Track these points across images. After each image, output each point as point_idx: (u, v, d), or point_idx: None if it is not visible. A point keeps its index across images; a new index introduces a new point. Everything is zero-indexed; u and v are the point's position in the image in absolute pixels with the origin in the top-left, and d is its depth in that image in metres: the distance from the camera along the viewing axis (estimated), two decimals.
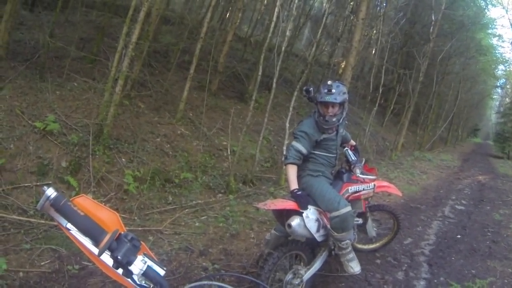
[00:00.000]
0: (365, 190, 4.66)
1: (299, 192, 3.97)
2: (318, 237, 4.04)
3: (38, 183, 5.30)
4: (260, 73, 7.80)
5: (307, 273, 4.11)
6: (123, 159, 6.36)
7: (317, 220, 4.00)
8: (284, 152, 7.70)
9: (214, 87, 10.38)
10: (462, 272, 5.58)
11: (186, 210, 6.00)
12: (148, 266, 1.13)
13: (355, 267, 4.32)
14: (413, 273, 5.34)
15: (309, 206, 3.98)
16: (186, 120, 8.44)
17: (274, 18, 8.48)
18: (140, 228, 5.11)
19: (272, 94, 8.09)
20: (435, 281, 5.18)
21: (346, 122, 4.51)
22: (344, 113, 4.23)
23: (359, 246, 5.42)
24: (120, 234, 1.20)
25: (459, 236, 7.15)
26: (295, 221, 3.82)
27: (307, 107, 11.12)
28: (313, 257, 4.26)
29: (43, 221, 4.74)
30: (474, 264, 5.87)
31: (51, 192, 1.22)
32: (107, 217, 1.28)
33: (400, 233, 5.72)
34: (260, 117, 8.16)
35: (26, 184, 5.23)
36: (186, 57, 9.27)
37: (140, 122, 7.46)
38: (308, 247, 4.20)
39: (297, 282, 4.02)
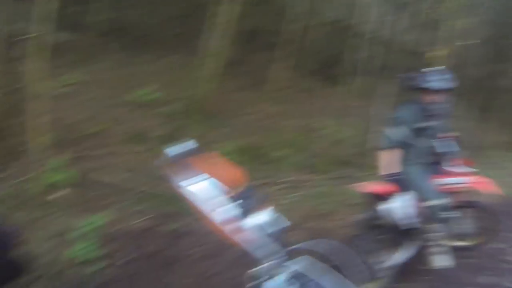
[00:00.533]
0: (459, 184, 4.45)
1: (399, 177, 3.90)
2: (404, 224, 3.97)
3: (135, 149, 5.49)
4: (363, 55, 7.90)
5: (393, 260, 4.08)
6: (214, 134, 6.52)
7: (411, 207, 3.92)
8: (379, 139, 7.53)
9: (307, 69, 10.32)
10: None
11: (277, 187, 6.03)
12: (271, 217, 1.11)
13: (444, 261, 4.25)
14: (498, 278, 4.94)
15: (408, 191, 3.91)
16: (279, 99, 8.48)
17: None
18: None
19: (369, 81, 8.16)
20: None
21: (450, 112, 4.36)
22: (449, 102, 4.12)
23: (450, 241, 5.16)
24: (246, 187, 1.22)
25: None
26: (388, 206, 3.84)
27: (400, 95, 10.84)
28: (400, 244, 4.18)
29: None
30: None
31: (191, 144, 1.27)
32: (233, 173, 1.30)
33: (496, 234, 5.35)
34: (352, 101, 7.99)
35: (123, 151, 5.42)
36: (274, 37, 9.25)
37: (233, 98, 7.68)
38: (397, 234, 4.11)
39: (382, 266, 4.01)
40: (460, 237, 5.02)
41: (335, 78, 9.39)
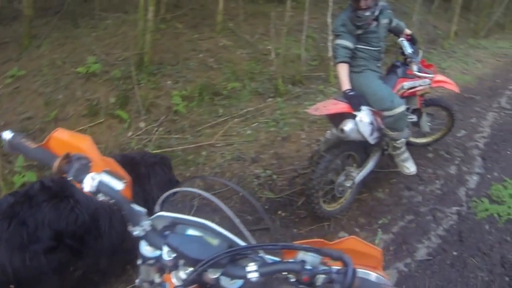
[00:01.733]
0: (421, 86, 4.50)
1: (351, 93, 3.82)
2: (372, 139, 3.94)
3: (91, 124, 5.51)
4: None
5: (359, 175, 4.13)
6: (169, 82, 6.49)
7: (371, 122, 3.86)
8: (330, 51, 7.48)
9: None
10: None
11: (236, 119, 6.08)
12: (100, 181, 1.12)
13: (410, 167, 4.39)
14: (465, 167, 5.31)
15: (362, 107, 3.82)
16: (226, 31, 8.33)
17: None
18: (192, 145, 5.28)
19: None
20: (489, 176, 5.13)
21: (390, 11, 4.20)
22: (380, 3, 3.93)
23: (412, 140, 5.30)
24: (69, 156, 1.21)
25: None
26: (348, 125, 3.71)
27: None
28: (366, 158, 4.24)
29: None
30: None
31: (7, 135, 1.27)
32: (83, 143, 1.29)
33: (454, 126, 5.53)
34: (302, 17, 7.82)
35: (80, 128, 5.45)
36: None
37: (180, 42, 7.49)
38: (361, 148, 4.13)
39: (348, 184, 4.05)
40: (423, 135, 5.35)
41: None
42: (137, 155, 3.17)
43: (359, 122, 3.72)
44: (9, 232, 2.32)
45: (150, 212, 1.19)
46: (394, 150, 4.25)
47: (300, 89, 7.26)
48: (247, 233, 1.18)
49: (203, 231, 1.12)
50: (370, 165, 4.23)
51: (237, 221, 1.17)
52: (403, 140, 4.19)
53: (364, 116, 3.77)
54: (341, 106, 3.76)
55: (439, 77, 4.86)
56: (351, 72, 4.01)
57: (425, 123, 5.01)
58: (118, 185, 1.14)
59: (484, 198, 4.58)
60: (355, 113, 3.73)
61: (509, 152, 5.87)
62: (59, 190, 2.56)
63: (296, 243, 1.05)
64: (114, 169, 1.20)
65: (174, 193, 1.33)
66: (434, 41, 15.16)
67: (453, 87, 5.00)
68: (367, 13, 3.83)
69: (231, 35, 8.29)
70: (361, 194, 4.40)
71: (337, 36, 3.96)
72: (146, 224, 1.10)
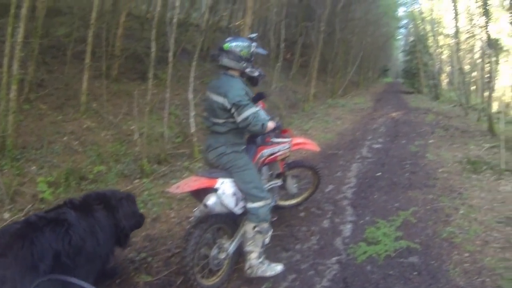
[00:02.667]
0: (281, 151, 4.79)
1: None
2: (237, 210, 4.03)
3: None
4: (154, 49, 7.71)
5: (232, 246, 4.16)
6: (33, 167, 6.24)
7: (234, 194, 3.95)
8: (193, 127, 7.86)
9: (115, 72, 10.24)
10: (386, 207, 6.12)
11: None
12: None
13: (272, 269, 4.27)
14: (338, 218, 5.74)
15: (224, 180, 3.93)
16: (90, 112, 8.32)
17: None
18: None
19: (170, 68, 8.06)
20: (361, 221, 5.62)
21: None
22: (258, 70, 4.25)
23: (282, 203, 5.58)
24: None
25: (379, 174, 7.83)
26: (211, 200, 3.81)
27: (212, 75, 11.22)
28: (236, 228, 4.26)
29: None
30: (396, 198, 6.47)
31: None
32: None
33: (321, 182, 6.03)
34: (164, 94, 8.08)
35: None
36: (82, 47, 8.88)
37: (44, 124, 7.28)
38: (230, 219, 4.18)
39: (223, 256, 4.06)
40: (291, 196, 5.67)
41: (146, 73, 9.32)
42: (108, 192, 3.85)
43: (221, 195, 3.83)
44: (23, 251, 2.73)
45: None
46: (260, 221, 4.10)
47: (165, 168, 7.41)
48: None
49: None
50: (241, 234, 4.21)
51: None
52: (268, 207, 4.13)
53: (226, 188, 3.88)
54: (202, 182, 3.85)
55: (298, 140, 5.28)
56: (233, 152, 4.05)
57: (291, 185, 5.33)
58: None
59: (361, 242, 4.94)
60: (216, 186, 3.83)
61: (376, 196, 6.56)
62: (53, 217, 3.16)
63: None
64: None
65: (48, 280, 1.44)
66: (295, 105, 16.43)
67: (312, 147, 5.55)
68: (262, 73, 4.22)
69: (95, 116, 8.28)
70: (240, 264, 4.40)
71: (246, 105, 3.83)
72: None
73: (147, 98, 7.71)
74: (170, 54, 7.96)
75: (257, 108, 3.98)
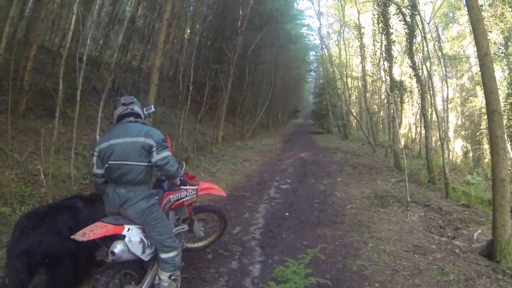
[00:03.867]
0: (188, 196, 4.84)
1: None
2: (145, 257, 4.01)
3: None
4: (61, 87, 7.65)
5: None
6: None
7: (141, 241, 3.96)
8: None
9: (22, 107, 9.93)
10: (295, 246, 6.23)
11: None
12: None
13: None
14: (247, 259, 5.71)
15: (130, 226, 3.93)
16: None
17: (72, 26, 8.42)
18: None
19: (78, 107, 8.00)
20: (270, 261, 5.62)
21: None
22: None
23: (189, 245, 5.57)
24: None
25: (287, 214, 7.94)
26: (118, 248, 3.76)
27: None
28: (144, 274, 4.20)
29: None
30: (305, 236, 6.60)
31: None
32: None
33: (229, 225, 6.15)
34: (74, 132, 7.94)
35: None
36: None
37: None
38: (137, 264, 4.11)
39: None
40: (199, 239, 5.72)
41: (55, 110, 9.17)
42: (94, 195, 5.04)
43: (128, 243, 3.80)
44: (51, 224, 4.22)
45: None
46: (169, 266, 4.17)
47: None
48: None
49: None
50: (149, 280, 4.17)
51: None
52: (175, 252, 4.19)
53: (132, 235, 3.88)
54: (108, 229, 3.80)
55: (204, 185, 5.40)
56: (152, 204, 4.10)
57: (198, 229, 5.40)
58: None
59: (270, 282, 4.91)
60: (123, 233, 3.81)
61: (284, 236, 6.64)
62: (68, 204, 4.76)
63: None
64: None
65: None
66: (202, 148, 16.55)
67: (218, 192, 5.74)
68: None
69: (2, 151, 7.99)
70: None
71: (167, 148, 4.04)
72: None
73: (54, 137, 7.58)
74: (79, 92, 7.92)
75: (168, 151, 4.09)
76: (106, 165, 4.03)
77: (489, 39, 10.60)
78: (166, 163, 4.01)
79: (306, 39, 41.83)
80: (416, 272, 5.22)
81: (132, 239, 3.86)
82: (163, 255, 4.09)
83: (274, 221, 7.45)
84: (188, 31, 19.47)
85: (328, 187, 10.53)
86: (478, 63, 9.37)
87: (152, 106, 4.77)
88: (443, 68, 23.74)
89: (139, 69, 19.25)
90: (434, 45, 19.08)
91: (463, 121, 31.86)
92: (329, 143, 25.46)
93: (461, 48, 28.43)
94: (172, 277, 4.16)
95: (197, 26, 21.62)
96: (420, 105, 15.73)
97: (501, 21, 17.59)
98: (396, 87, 16.86)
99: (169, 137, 4.71)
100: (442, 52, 23.12)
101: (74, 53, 9.92)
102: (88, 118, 11.31)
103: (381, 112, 34.82)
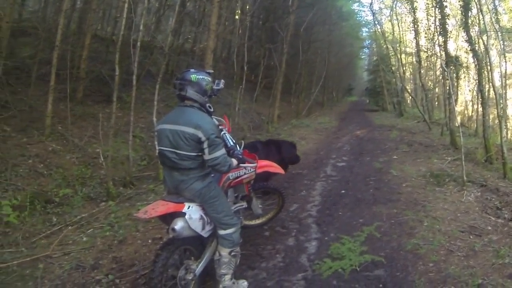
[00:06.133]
0: (246, 174, 4.81)
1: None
2: (204, 234, 4.08)
3: None
4: (117, 72, 7.67)
5: (199, 267, 4.14)
6: None
7: (201, 218, 4.00)
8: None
9: (80, 94, 10.23)
10: (351, 223, 6.16)
11: (71, 227, 5.94)
12: None
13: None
14: (303, 236, 5.73)
15: (190, 204, 3.96)
16: (55, 134, 8.28)
17: (124, 14, 8.49)
18: (28, 259, 4.95)
19: (134, 91, 8.05)
20: (326, 238, 5.62)
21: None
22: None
23: (247, 222, 5.56)
24: None
25: (343, 191, 7.85)
26: (178, 224, 3.81)
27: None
28: (203, 249, 4.26)
29: None
30: (361, 214, 6.52)
31: None
32: None
33: (286, 202, 6.05)
34: (129, 117, 8.03)
35: None
36: (47, 68, 8.81)
37: (8, 146, 7.22)
38: (197, 241, 4.18)
39: (190, 277, 4.02)
40: (256, 217, 5.69)
41: (111, 95, 9.13)
42: (281, 140, 7.63)
43: (189, 220, 3.85)
44: (266, 150, 6.76)
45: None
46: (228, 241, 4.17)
47: (131, 191, 7.41)
48: None
49: None
50: (208, 256, 4.23)
51: None
52: (235, 228, 4.20)
53: (193, 212, 3.92)
54: (169, 207, 3.85)
55: (263, 163, 5.28)
56: (210, 183, 4.08)
57: (256, 207, 5.36)
58: None
59: (326, 258, 4.91)
60: (184, 211, 3.86)
61: (340, 213, 6.60)
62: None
63: None
64: None
65: None
66: (259, 127, 16.47)
67: (277, 169, 5.61)
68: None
69: (60, 139, 8.23)
70: (207, 283, 4.39)
71: (219, 144, 3.92)
72: None
73: (112, 121, 7.68)
74: (134, 77, 7.99)
75: (221, 151, 3.96)
76: (158, 149, 4.08)
77: None
78: (217, 163, 3.91)
79: (358, 16, 40.55)
80: (471, 254, 5.06)
81: (192, 216, 3.91)
82: (221, 232, 4.11)
83: (331, 199, 7.41)
84: (239, 11, 19.27)
85: (384, 165, 10.35)
86: None
87: (223, 81, 4.43)
88: (501, 42, 22.19)
89: (192, 52, 19.31)
90: (491, 18, 17.81)
91: None
92: (384, 121, 24.82)
93: None
94: (232, 253, 4.16)
95: (247, 7, 21.42)
96: (477, 81, 14.91)
97: None
98: (452, 62, 15.96)
99: (226, 117, 4.69)
100: (499, 25, 21.62)
101: (127, 39, 10.12)
102: (144, 101, 11.46)
103: (437, 89, 33.39)
